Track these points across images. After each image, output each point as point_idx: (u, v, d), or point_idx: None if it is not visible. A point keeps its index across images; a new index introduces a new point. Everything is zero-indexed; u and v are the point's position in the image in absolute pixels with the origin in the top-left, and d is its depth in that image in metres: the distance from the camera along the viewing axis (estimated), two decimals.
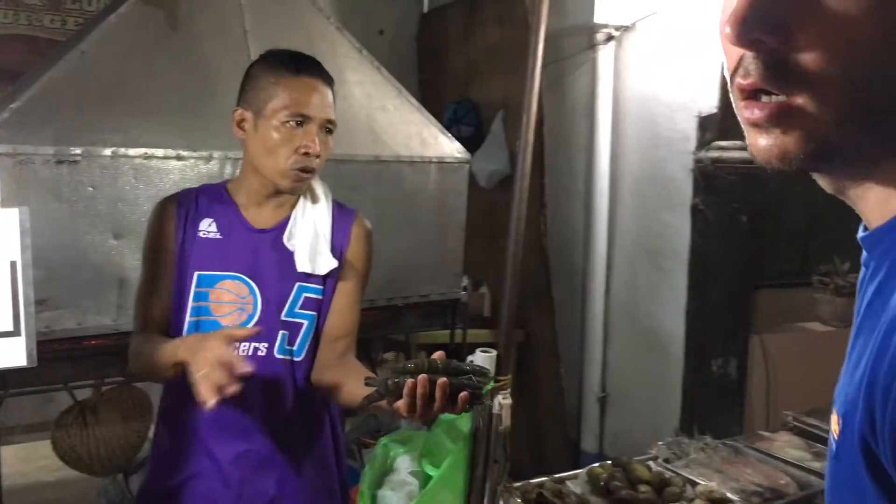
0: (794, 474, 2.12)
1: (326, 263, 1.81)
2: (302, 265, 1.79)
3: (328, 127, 1.75)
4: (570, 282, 4.18)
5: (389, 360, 4.24)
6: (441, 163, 3.30)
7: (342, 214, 1.88)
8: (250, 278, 1.79)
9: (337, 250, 1.84)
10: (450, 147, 3.38)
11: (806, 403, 2.70)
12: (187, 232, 1.80)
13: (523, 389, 4.06)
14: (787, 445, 2.33)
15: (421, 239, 3.30)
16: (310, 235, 1.81)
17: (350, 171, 3.09)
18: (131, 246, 2.50)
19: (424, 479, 1.79)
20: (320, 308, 1.83)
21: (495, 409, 1.74)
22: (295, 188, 1.77)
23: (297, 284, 1.80)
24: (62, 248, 2.42)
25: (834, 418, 0.69)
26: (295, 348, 1.80)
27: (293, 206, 1.83)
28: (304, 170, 1.73)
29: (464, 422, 1.80)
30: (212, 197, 1.85)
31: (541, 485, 1.94)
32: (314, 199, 1.85)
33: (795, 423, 2.53)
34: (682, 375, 3.53)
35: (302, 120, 1.71)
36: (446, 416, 1.79)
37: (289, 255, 1.79)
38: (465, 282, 3.56)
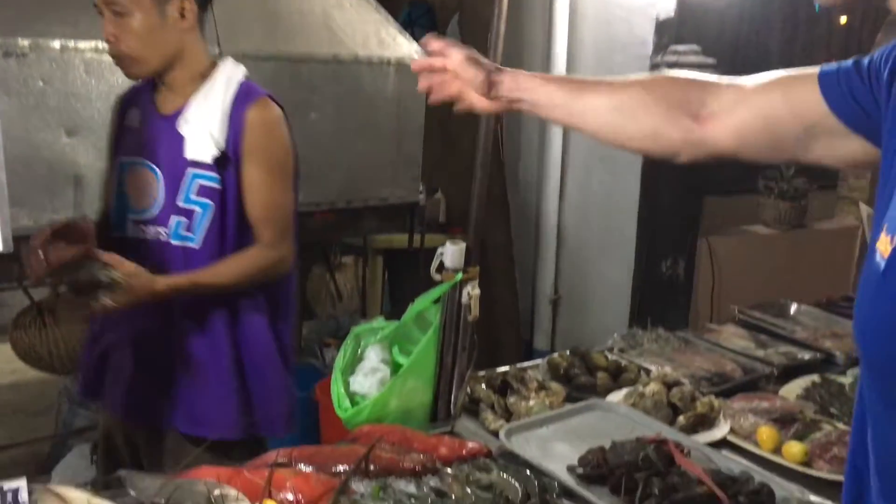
0: (740, 361, 2.26)
1: (208, 150, 1.78)
2: (190, 151, 1.79)
3: (115, 9, 1.72)
4: (526, 188, 4.24)
5: (347, 264, 4.28)
6: (400, 64, 3.25)
7: (242, 100, 1.82)
8: (155, 164, 1.84)
9: (231, 138, 1.80)
10: (408, 48, 3.33)
11: (748, 299, 2.85)
12: (121, 122, 1.92)
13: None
14: (733, 336, 2.47)
15: (380, 141, 3.29)
16: (202, 121, 1.79)
17: (308, 71, 3.03)
18: (86, 143, 2.44)
19: (395, 367, 1.86)
20: (220, 198, 1.81)
21: (464, 300, 1.80)
22: (128, 76, 1.83)
23: (191, 171, 1.80)
24: (13, 143, 2.33)
25: (886, 239, 0.79)
26: (192, 235, 1.83)
27: (197, 90, 1.82)
28: (113, 56, 1.78)
29: (433, 312, 1.86)
30: (144, 87, 1.90)
31: (505, 372, 2.03)
32: (216, 83, 1.82)
33: (742, 317, 2.67)
34: (632, 276, 3.66)
35: (99, 9, 1.75)
36: (416, 306, 1.85)
37: (183, 141, 1.80)
38: (422, 187, 3.58)
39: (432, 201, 4.24)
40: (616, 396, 1.97)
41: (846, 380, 2.15)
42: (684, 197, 3.71)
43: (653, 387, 1.94)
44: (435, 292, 1.81)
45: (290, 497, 1.43)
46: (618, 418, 1.85)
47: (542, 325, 4.18)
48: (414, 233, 3.56)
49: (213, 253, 1.84)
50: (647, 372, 2.12)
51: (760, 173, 4.22)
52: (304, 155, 3.13)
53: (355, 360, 1.87)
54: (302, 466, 1.56)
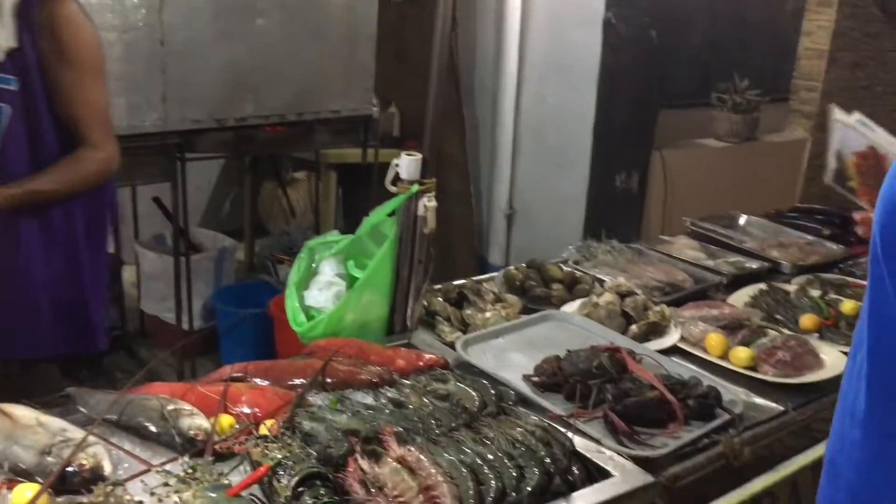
0: (691, 271, 2.30)
1: None
2: None
3: None
4: (481, 101, 4.16)
5: (299, 179, 4.19)
6: None
7: None
8: None
9: (26, 38, 1.68)
10: None
11: (700, 211, 2.89)
12: None
13: None
14: (684, 247, 2.51)
15: (331, 51, 3.17)
16: None
17: None
18: None
19: (350, 281, 1.84)
20: (21, 101, 1.71)
21: (420, 212, 1.78)
22: None
23: None
24: None
25: None
26: None
27: None
28: None
29: (388, 226, 1.84)
30: None
31: (461, 285, 2.03)
32: None
33: (693, 228, 2.71)
34: (586, 190, 3.67)
35: None
36: (371, 219, 1.82)
37: None
38: (375, 101, 3.49)
39: (386, 115, 4.15)
40: (571, 307, 1.99)
41: (791, 288, 2.21)
42: (639, 110, 3.69)
43: (607, 297, 1.96)
44: (390, 205, 1.77)
45: (247, 410, 1.42)
46: (572, 328, 1.88)
47: (496, 239, 4.20)
48: (368, 147, 3.49)
49: (23, 159, 1.74)
50: (602, 283, 2.14)
51: (713, 86, 4.22)
52: (251, 65, 3.02)
53: (310, 275, 1.84)
54: (257, 381, 1.55)
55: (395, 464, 1.25)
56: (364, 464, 1.26)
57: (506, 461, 1.29)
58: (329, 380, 1.55)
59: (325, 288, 1.80)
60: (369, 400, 1.49)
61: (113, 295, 3.50)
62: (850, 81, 4.44)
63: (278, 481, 1.19)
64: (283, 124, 3.22)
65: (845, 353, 1.81)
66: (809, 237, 2.68)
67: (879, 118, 4.67)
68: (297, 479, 1.19)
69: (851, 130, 0.91)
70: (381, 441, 1.32)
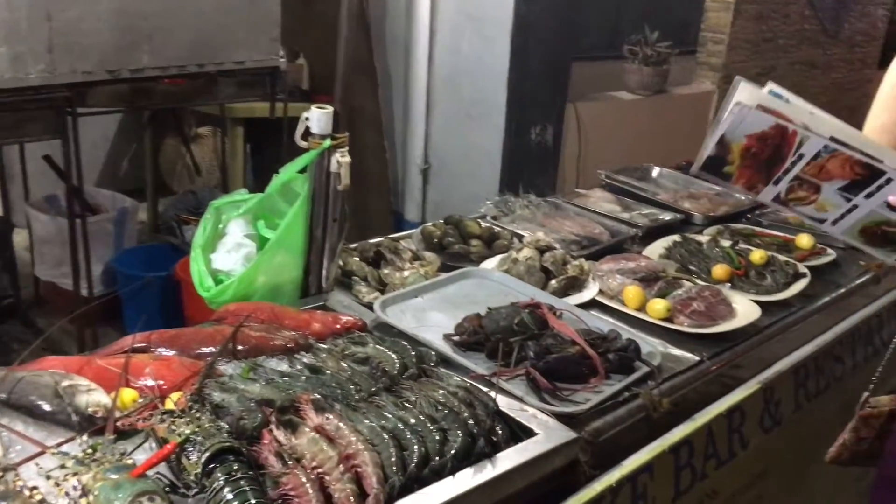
0: (607, 224, 2.30)
1: None
2: None
3: None
4: (393, 52, 4.05)
5: (204, 134, 3.99)
6: None
7: None
8: None
9: None
10: None
11: (613, 164, 2.90)
12: None
13: None
14: (600, 200, 2.51)
15: None
16: None
17: None
18: None
19: (261, 242, 1.75)
20: None
21: (333, 168, 1.69)
22: None
23: None
24: None
25: None
26: None
27: None
28: None
29: (300, 183, 1.75)
30: None
31: (378, 243, 1.97)
32: None
33: (608, 181, 2.72)
34: (502, 143, 3.64)
35: None
36: (281, 176, 1.73)
37: None
38: (282, 51, 3.33)
39: (294, 66, 3.98)
40: (490, 263, 1.96)
41: (703, 238, 2.25)
42: (553, 62, 3.67)
43: (526, 252, 1.94)
44: (301, 161, 1.68)
45: (151, 383, 1.33)
46: (492, 285, 1.85)
47: (412, 195, 4.14)
48: (276, 101, 3.34)
49: None
50: (520, 238, 2.12)
51: (625, 39, 4.24)
52: (146, 10, 2.82)
53: (216, 236, 1.74)
54: (162, 351, 1.46)
55: (312, 433, 1.19)
56: (280, 435, 1.19)
57: (428, 425, 1.26)
58: (240, 347, 1.47)
59: (233, 250, 1.70)
60: (284, 367, 1.42)
61: (2, 261, 3.27)
62: (755, 34, 4.55)
63: (187, 458, 1.12)
64: (183, 76, 3.03)
65: (755, 302, 1.87)
66: (718, 188, 2.73)
67: (781, 70, 4.81)
68: (207, 454, 1.12)
69: (753, 112, 0.89)
70: (298, 410, 1.27)
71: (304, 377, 1.38)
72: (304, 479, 1.11)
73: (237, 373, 1.39)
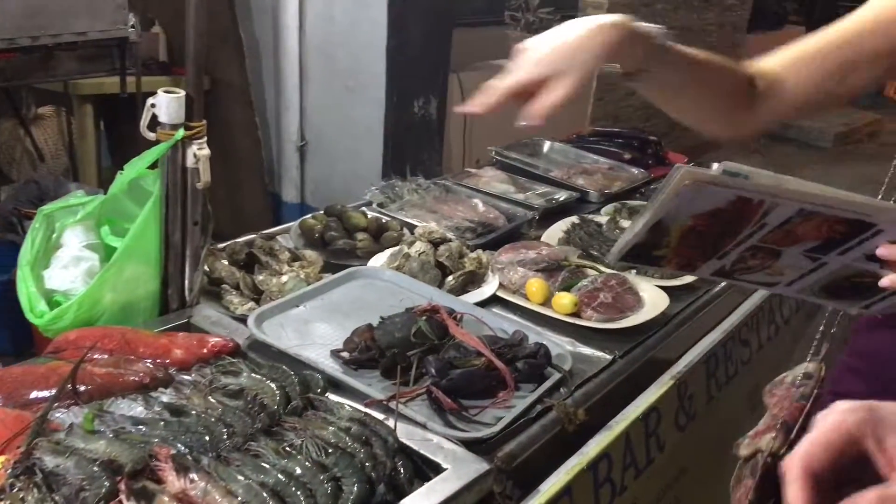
0: (502, 208, 2.15)
1: None
2: None
3: None
4: (259, 19, 3.72)
5: (46, 115, 3.54)
6: None
7: None
8: None
9: None
10: None
11: (501, 138, 2.75)
12: None
13: (214, 142, 3.69)
14: (493, 180, 2.36)
15: None
16: None
17: None
18: None
19: (107, 252, 1.48)
20: None
21: (189, 163, 1.44)
22: None
23: None
24: None
25: None
26: None
27: None
28: None
29: (151, 180, 1.48)
30: None
31: (250, 243, 1.73)
32: None
33: (498, 158, 2.56)
34: (383, 118, 3.42)
35: None
36: (127, 174, 1.46)
37: None
38: (132, 20, 2.95)
39: (149, 36, 3.58)
40: (379, 260, 1.77)
41: (602, 219, 2.14)
42: (433, 29, 3.46)
43: (418, 246, 1.76)
44: (150, 155, 1.42)
45: None
46: (383, 286, 1.65)
47: (289, 174, 3.85)
48: (126, 75, 2.96)
49: None
50: (411, 229, 1.93)
51: (506, 4, 4.09)
52: None
53: (49, 249, 1.45)
54: None
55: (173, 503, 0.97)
56: None
57: (318, 474, 1.06)
58: (83, 387, 1.21)
59: (70, 265, 1.42)
60: (138, 409, 1.18)
61: None
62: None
63: None
64: (13, 50, 2.62)
65: (661, 287, 1.77)
66: (611, 162, 2.64)
67: None
68: None
69: (709, 189, 0.75)
70: (155, 470, 1.04)
71: (162, 422, 1.14)
72: None
73: (79, 422, 1.14)
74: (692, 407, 1.59)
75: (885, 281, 0.86)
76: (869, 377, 1.13)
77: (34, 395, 1.19)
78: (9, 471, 0.98)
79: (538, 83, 0.98)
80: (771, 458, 1.00)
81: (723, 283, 1.86)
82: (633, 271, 1.83)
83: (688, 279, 1.82)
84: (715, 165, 0.76)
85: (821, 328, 1.12)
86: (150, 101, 1.37)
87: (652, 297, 1.71)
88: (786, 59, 1.12)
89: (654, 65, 1.03)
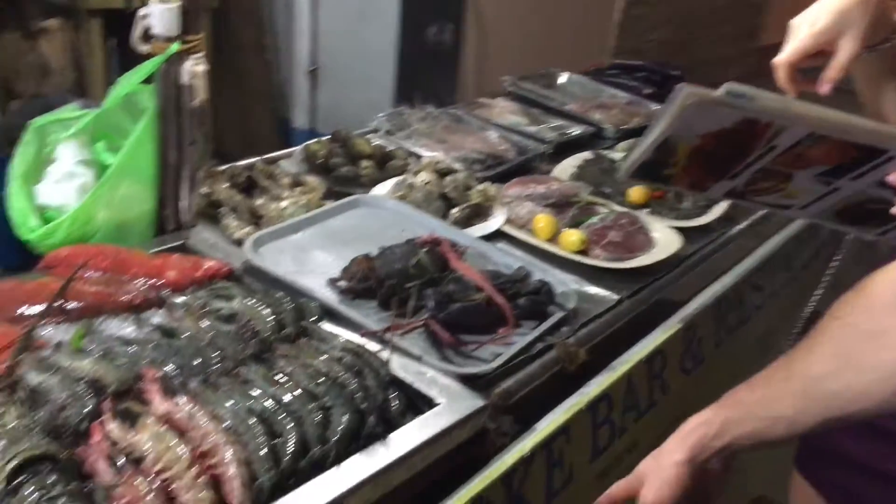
0: (513, 140, 2.08)
1: None
2: None
3: None
4: None
5: (53, 28, 3.45)
6: None
7: None
8: None
9: None
10: None
11: (517, 68, 2.65)
12: None
13: (223, 65, 3.60)
14: (505, 111, 2.28)
15: None
16: None
17: None
18: None
19: (100, 169, 1.43)
20: None
21: (184, 80, 1.38)
22: None
23: None
24: None
25: None
26: None
27: None
28: None
29: (146, 96, 1.42)
30: None
31: (250, 166, 1.67)
32: None
33: (512, 89, 2.48)
34: (396, 43, 3.31)
35: None
36: (121, 88, 1.40)
37: None
38: None
39: None
40: (383, 188, 1.71)
41: (617, 155, 2.07)
42: None
43: (424, 176, 1.70)
44: (143, 69, 1.35)
45: None
46: (385, 215, 1.60)
47: (300, 99, 3.76)
48: None
49: None
50: (417, 157, 1.86)
51: None
52: None
53: (41, 163, 1.40)
54: None
55: (157, 426, 0.94)
56: (115, 429, 0.94)
57: (307, 403, 1.03)
58: (73, 305, 1.19)
59: (63, 180, 1.38)
60: (129, 330, 1.15)
61: None
62: None
63: None
64: None
65: (675, 228, 1.71)
66: (630, 96, 2.54)
67: None
68: (12, 465, 0.86)
69: (712, 109, 0.70)
70: (142, 392, 1.01)
71: (152, 343, 1.11)
72: (143, 490, 0.87)
73: (67, 340, 1.12)
74: (700, 352, 1.55)
75: None
76: None
77: (23, 310, 1.16)
78: None
79: (821, 49, 1.03)
80: None
81: (739, 227, 1.81)
82: (646, 209, 1.77)
83: (703, 220, 1.76)
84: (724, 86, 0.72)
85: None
86: (142, 11, 1.30)
87: (664, 238, 1.66)
88: None
89: None
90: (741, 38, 5.27)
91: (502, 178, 1.83)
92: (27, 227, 1.34)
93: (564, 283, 1.45)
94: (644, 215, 1.73)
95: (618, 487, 1.01)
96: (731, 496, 1.14)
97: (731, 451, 0.95)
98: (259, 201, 1.57)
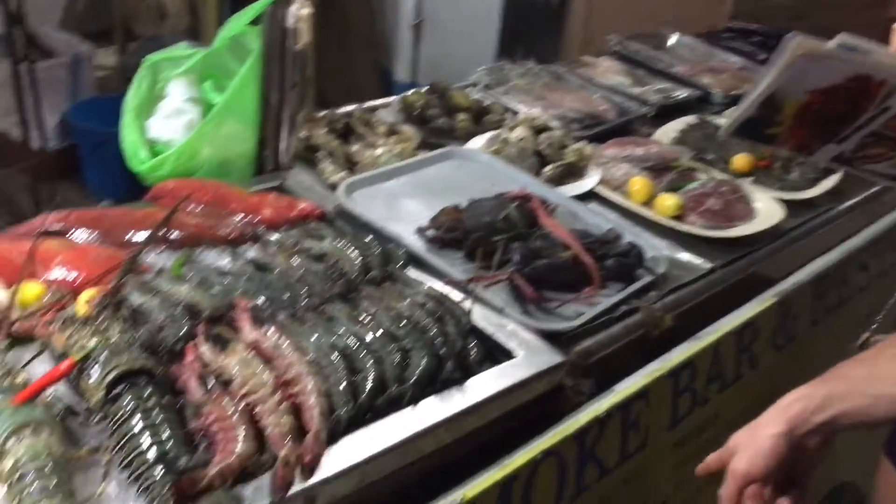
0: (614, 100, 2.02)
1: None
2: None
3: None
4: None
5: None
6: None
7: None
8: None
9: None
10: None
11: (625, 28, 2.57)
12: None
13: (328, 12, 3.65)
14: (608, 71, 2.22)
15: None
16: None
17: None
18: None
19: (206, 107, 1.49)
20: None
21: (289, 22, 1.40)
22: None
23: None
24: None
25: None
26: None
27: None
28: None
29: (252, 38, 1.46)
30: None
31: (349, 114, 1.70)
32: None
33: (617, 48, 2.40)
34: None
35: None
36: (229, 29, 1.44)
37: None
38: None
39: None
40: (477, 142, 1.71)
41: (722, 121, 1.98)
42: None
43: (519, 132, 1.69)
44: (251, 11, 1.39)
45: (60, 276, 1.12)
46: (478, 168, 1.60)
47: (402, 51, 3.77)
48: None
49: None
50: (514, 113, 1.85)
51: None
52: None
53: (153, 99, 1.47)
54: (82, 236, 1.23)
55: (245, 352, 0.99)
56: (206, 352, 0.99)
57: (388, 343, 1.06)
58: (175, 234, 1.25)
59: (172, 116, 1.44)
60: (225, 261, 1.21)
61: None
62: None
63: (87, 379, 0.92)
64: None
65: (779, 200, 1.63)
66: (743, 61, 2.43)
67: None
68: (111, 376, 0.91)
69: (823, 63, 0.65)
70: (233, 320, 1.06)
71: (246, 276, 1.16)
72: (229, 410, 0.92)
73: (167, 266, 1.18)
74: (795, 328, 1.49)
75: None
76: None
77: (129, 236, 1.23)
78: (97, 302, 1.03)
79: None
80: None
81: (848, 203, 1.71)
82: (750, 178, 1.69)
83: (810, 193, 1.68)
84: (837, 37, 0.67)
85: None
86: None
87: (766, 209, 1.59)
88: None
89: None
90: (870, 6, 4.91)
91: (600, 139, 1.79)
92: (138, 159, 1.41)
93: (656, 247, 1.42)
94: (747, 184, 1.66)
95: (711, 459, 0.97)
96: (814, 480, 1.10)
97: (831, 428, 0.91)
98: (355, 147, 1.59)
